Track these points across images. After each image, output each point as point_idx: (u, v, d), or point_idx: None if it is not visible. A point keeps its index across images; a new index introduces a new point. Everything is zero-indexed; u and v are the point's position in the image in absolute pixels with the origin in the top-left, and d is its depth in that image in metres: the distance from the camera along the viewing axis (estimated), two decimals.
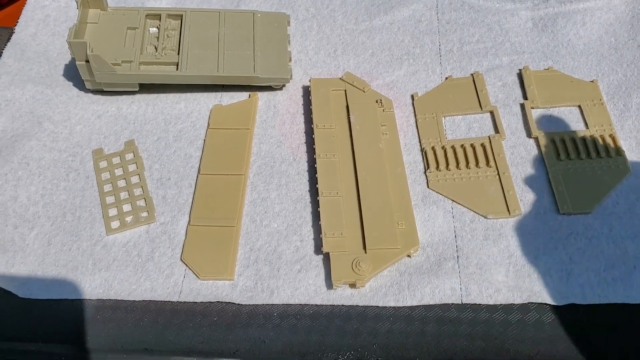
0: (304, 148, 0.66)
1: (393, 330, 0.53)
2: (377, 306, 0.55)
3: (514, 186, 0.60)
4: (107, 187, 0.64)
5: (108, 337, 0.55)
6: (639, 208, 0.57)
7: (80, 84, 0.71)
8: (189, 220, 0.61)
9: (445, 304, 0.54)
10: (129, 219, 0.61)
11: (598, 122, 0.63)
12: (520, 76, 0.68)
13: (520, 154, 0.62)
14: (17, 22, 0.76)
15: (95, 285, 0.58)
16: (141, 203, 0.62)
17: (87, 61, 0.65)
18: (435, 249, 0.57)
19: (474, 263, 0.56)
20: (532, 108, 0.65)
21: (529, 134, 0.63)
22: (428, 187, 0.61)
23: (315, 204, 0.61)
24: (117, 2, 0.77)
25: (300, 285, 0.56)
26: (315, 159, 0.63)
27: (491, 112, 0.65)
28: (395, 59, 0.72)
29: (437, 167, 0.62)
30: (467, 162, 0.61)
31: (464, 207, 0.59)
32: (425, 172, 0.62)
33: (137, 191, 0.63)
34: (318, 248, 0.58)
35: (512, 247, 0.56)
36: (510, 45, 0.71)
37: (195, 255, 0.58)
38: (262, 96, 0.70)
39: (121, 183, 0.64)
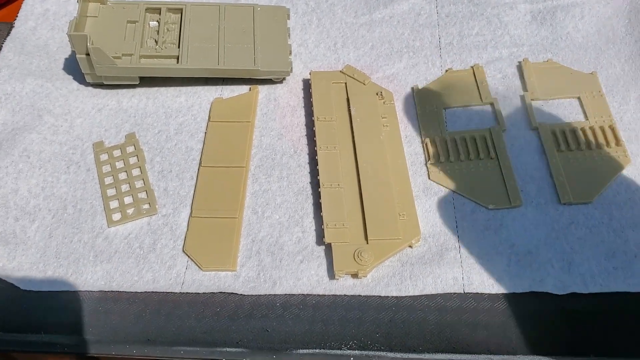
0: (304, 141, 0.66)
1: (395, 320, 0.53)
2: (380, 296, 0.55)
3: (515, 177, 0.60)
4: (108, 180, 0.64)
5: (110, 328, 0.55)
6: (639, 198, 0.58)
7: (80, 78, 0.71)
8: (191, 212, 0.61)
9: (447, 293, 0.54)
10: (130, 211, 0.61)
11: (598, 114, 0.63)
12: (520, 68, 0.68)
13: (520, 145, 0.62)
14: (17, 16, 0.76)
15: (97, 277, 0.58)
16: (142, 195, 0.62)
17: (88, 54, 0.65)
18: (437, 239, 0.58)
19: (476, 253, 0.56)
20: (532, 100, 0.65)
21: (529, 126, 0.64)
22: (429, 178, 0.61)
23: (316, 195, 0.62)
24: None
25: (302, 275, 0.56)
26: (315, 151, 0.63)
27: (491, 104, 0.66)
28: (395, 52, 0.72)
29: (438, 159, 0.62)
30: (469, 154, 0.62)
31: (465, 197, 0.59)
32: (426, 164, 0.62)
33: (139, 183, 0.63)
34: (319, 239, 0.59)
35: (514, 237, 0.57)
36: (510, 38, 0.71)
37: (198, 247, 0.58)
38: (262, 89, 0.70)
39: (122, 175, 0.64)
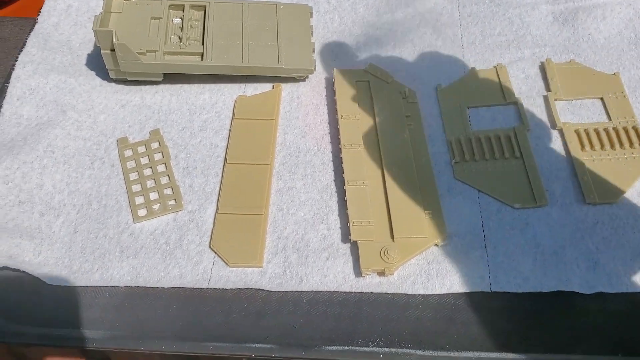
0: (327, 139, 0.66)
1: (422, 318, 0.54)
2: (406, 294, 0.55)
3: (540, 176, 0.60)
4: (133, 176, 0.64)
5: (137, 323, 0.55)
6: None
7: (103, 74, 0.71)
8: (217, 209, 0.61)
9: (474, 292, 0.55)
10: (156, 207, 0.61)
11: (621, 114, 0.64)
12: (542, 69, 0.68)
13: (545, 145, 0.63)
14: (40, 12, 0.77)
15: (124, 272, 0.58)
16: (168, 191, 0.63)
17: (113, 50, 0.65)
18: (463, 238, 0.58)
19: (502, 252, 0.56)
20: (556, 100, 0.65)
21: (553, 126, 0.64)
22: (454, 177, 0.62)
23: (340, 193, 0.62)
24: None
25: (328, 272, 0.57)
26: (339, 149, 0.63)
27: (515, 104, 0.66)
28: (418, 51, 0.72)
29: (464, 157, 0.62)
30: (494, 153, 0.62)
31: (491, 197, 0.60)
32: (451, 163, 0.63)
33: (164, 180, 0.63)
34: (345, 236, 0.59)
35: (539, 236, 0.57)
36: (532, 39, 0.72)
37: (224, 243, 0.58)
38: (285, 87, 0.71)
39: (147, 171, 0.64)
